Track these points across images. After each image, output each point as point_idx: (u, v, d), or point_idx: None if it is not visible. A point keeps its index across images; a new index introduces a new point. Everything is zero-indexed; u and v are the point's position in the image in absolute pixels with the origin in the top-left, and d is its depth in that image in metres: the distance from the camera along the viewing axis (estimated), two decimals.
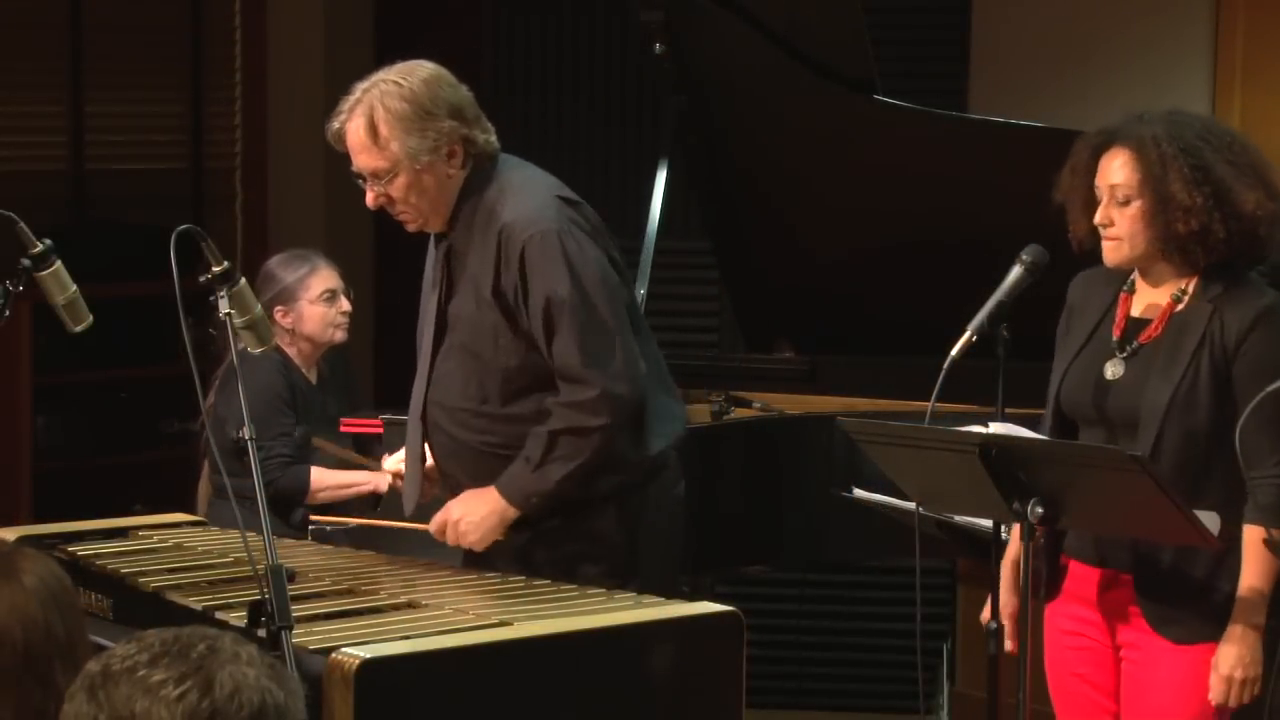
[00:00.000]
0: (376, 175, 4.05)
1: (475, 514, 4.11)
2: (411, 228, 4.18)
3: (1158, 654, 3.78)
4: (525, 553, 4.12)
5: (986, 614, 3.91)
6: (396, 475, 4.41)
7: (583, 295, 4.02)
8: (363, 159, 4.06)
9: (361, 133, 4.03)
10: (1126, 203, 3.77)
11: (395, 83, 4.04)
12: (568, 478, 4.05)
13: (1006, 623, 3.89)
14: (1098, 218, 3.80)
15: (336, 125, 4.07)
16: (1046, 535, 3.86)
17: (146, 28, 7.39)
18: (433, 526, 4.17)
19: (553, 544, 4.12)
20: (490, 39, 7.03)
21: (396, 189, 4.05)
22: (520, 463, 4.09)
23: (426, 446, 4.26)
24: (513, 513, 4.09)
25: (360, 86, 4.07)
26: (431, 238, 4.25)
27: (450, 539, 4.14)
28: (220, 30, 7.46)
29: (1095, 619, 3.88)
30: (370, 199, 4.10)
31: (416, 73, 4.07)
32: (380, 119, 4.01)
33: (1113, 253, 3.82)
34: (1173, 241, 3.75)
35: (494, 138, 4.13)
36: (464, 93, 4.11)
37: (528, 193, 4.10)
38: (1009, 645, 3.89)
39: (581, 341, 4.01)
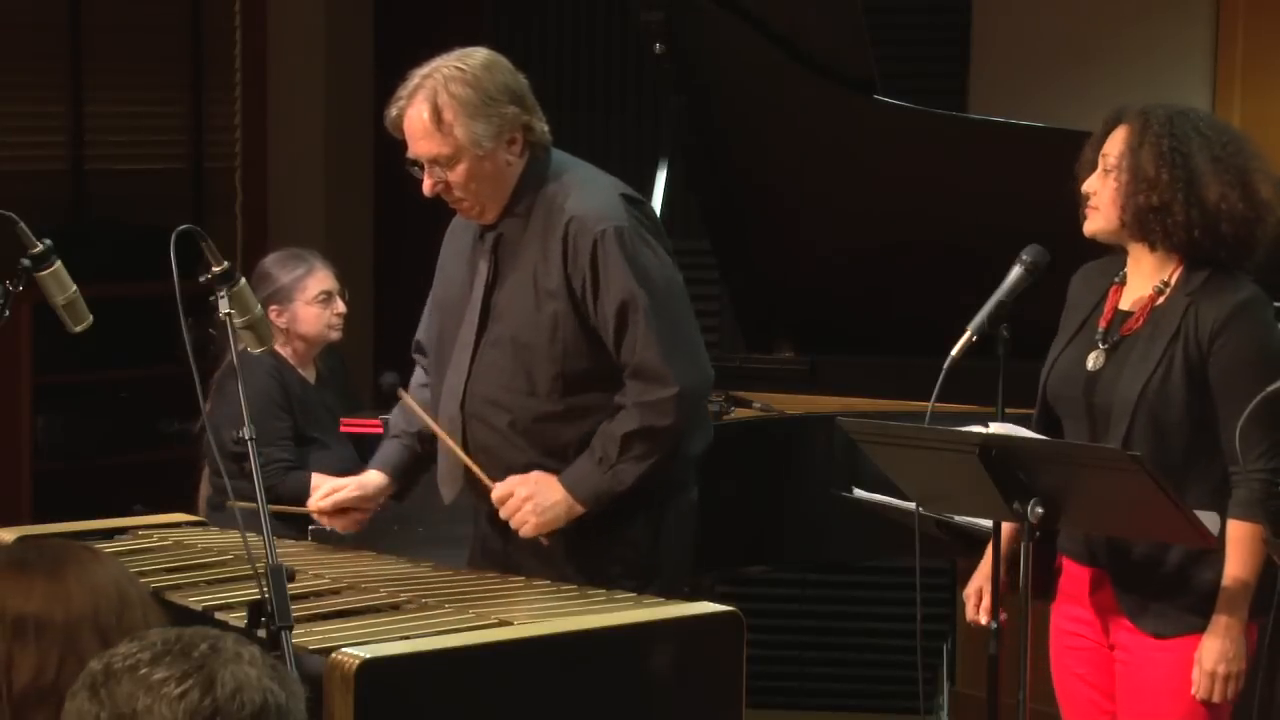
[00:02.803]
0: (437, 161, 4.02)
1: (544, 499, 4.04)
2: (468, 216, 4.16)
3: (1146, 652, 3.78)
4: (548, 551, 4.09)
5: (974, 615, 3.93)
6: (319, 511, 4.35)
7: (656, 294, 4.02)
8: (424, 145, 4.02)
9: (425, 118, 4.00)
10: (1110, 172, 3.80)
11: (457, 68, 4.01)
12: (641, 478, 4.03)
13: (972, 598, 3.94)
14: (1084, 186, 3.84)
15: (395, 112, 4.04)
16: (1042, 536, 3.87)
17: (146, 28, 7.39)
18: (498, 491, 4.07)
19: (577, 543, 4.10)
20: (490, 39, 7.00)
21: (457, 176, 4.03)
22: (589, 462, 4.05)
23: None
24: (579, 510, 4.05)
25: (419, 73, 4.04)
26: (454, 227, 4.23)
27: (507, 511, 4.06)
28: (220, 30, 7.46)
29: (1090, 618, 3.88)
30: (428, 186, 4.06)
31: (476, 57, 4.05)
32: (444, 104, 3.99)
33: (1090, 222, 3.85)
34: (1134, 214, 3.78)
35: (547, 127, 4.12)
36: (522, 80, 4.10)
37: (593, 188, 4.10)
38: (983, 620, 3.91)
39: (660, 340, 4.00)
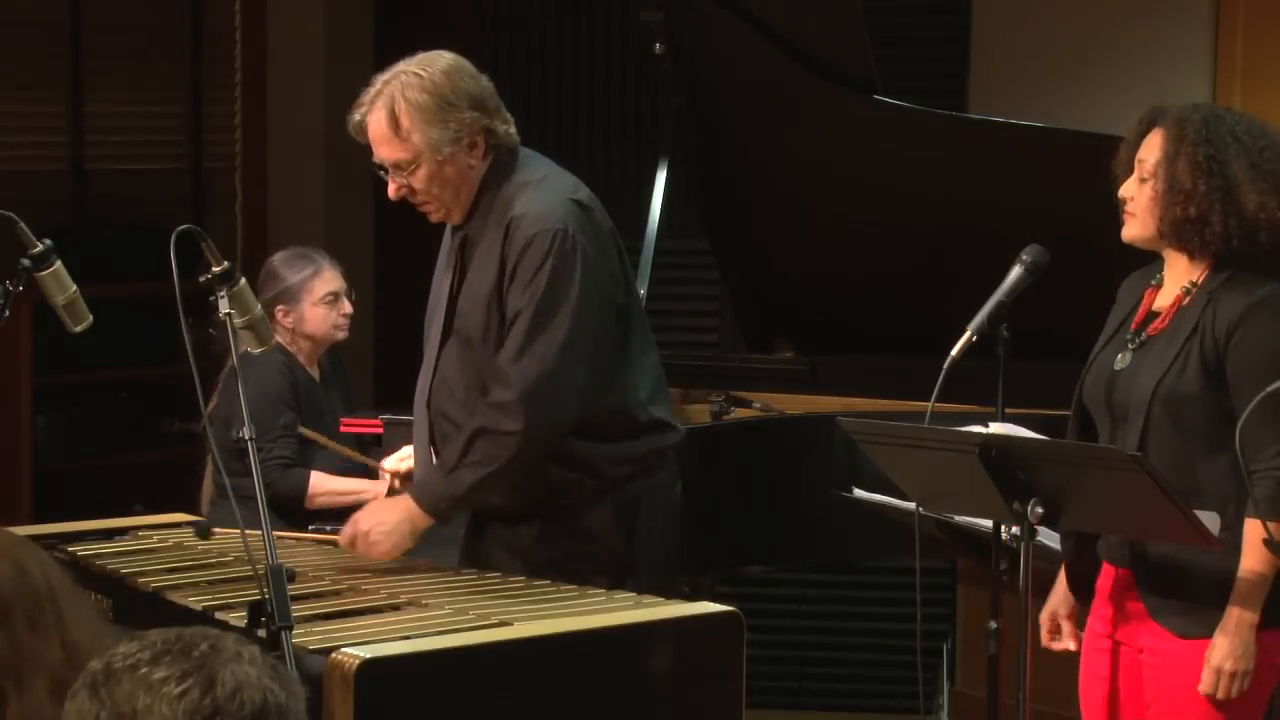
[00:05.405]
0: (398, 166, 4.04)
1: (385, 523, 4.04)
2: (435, 218, 4.16)
3: (1173, 653, 3.74)
4: (522, 550, 4.09)
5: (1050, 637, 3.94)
6: (395, 475, 4.38)
7: (553, 304, 3.97)
8: (384, 150, 4.05)
9: (383, 124, 4.02)
10: (1146, 180, 3.79)
11: (416, 74, 4.03)
12: (479, 484, 3.99)
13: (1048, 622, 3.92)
14: (1120, 191, 3.83)
15: (358, 117, 4.07)
16: (1078, 537, 3.86)
17: (146, 28, 7.40)
18: (342, 539, 4.11)
19: (549, 542, 4.09)
20: (490, 39, 7.03)
21: (418, 180, 4.04)
22: (439, 469, 4.06)
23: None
24: (424, 520, 4.03)
25: (381, 78, 4.06)
26: (447, 227, 4.25)
27: (360, 550, 4.07)
28: (220, 30, 7.46)
29: (1122, 621, 3.86)
30: (392, 190, 4.08)
31: (437, 63, 4.06)
32: (401, 110, 4.00)
33: (1127, 228, 3.84)
34: (1171, 225, 3.77)
35: (514, 129, 4.11)
36: (485, 83, 4.10)
37: (544, 190, 4.08)
38: (1071, 646, 3.92)
39: (523, 345, 3.96)
